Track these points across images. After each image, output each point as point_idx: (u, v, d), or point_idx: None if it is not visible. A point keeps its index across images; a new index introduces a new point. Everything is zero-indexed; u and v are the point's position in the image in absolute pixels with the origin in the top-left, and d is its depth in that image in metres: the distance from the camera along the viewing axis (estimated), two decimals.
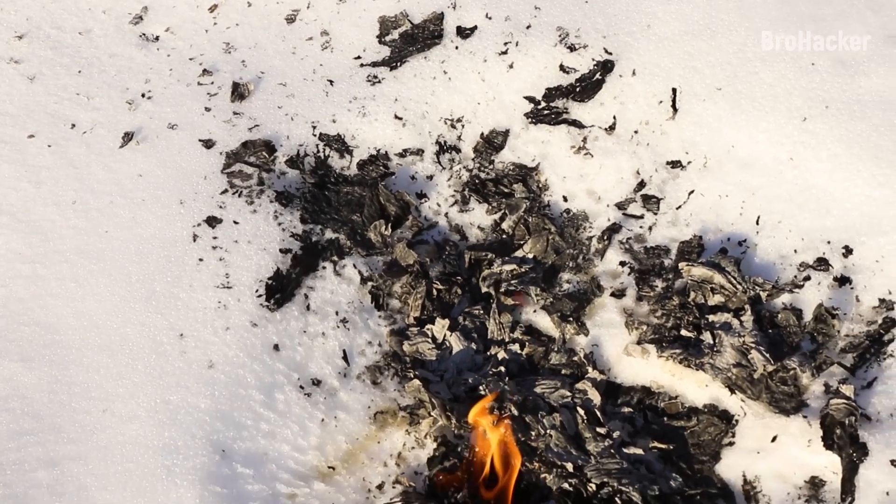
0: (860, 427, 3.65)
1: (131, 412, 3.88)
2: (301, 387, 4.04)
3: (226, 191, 4.55)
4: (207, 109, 4.91)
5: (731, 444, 3.91)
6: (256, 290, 4.21)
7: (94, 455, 3.79)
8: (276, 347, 4.09)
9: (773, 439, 3.81)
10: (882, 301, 3.96)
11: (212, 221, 4.41)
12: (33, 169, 4.70)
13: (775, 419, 3.85)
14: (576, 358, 4.19)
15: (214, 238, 4.35)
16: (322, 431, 3.98)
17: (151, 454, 3.78)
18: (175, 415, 3.87)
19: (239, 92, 4.97)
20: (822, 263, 4.12)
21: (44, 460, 3.78)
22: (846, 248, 4.13)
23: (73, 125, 4.86)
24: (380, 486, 3.91)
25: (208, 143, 4.77)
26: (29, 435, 3.84)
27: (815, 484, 3.69)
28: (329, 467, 3.91)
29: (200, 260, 4.27)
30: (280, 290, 4.23)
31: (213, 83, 5.05)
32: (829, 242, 4.17)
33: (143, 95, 4.99)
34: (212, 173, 4.62)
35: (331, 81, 5.00)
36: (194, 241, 4.33)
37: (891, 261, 4.04)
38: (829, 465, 3.68)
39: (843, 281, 4.07)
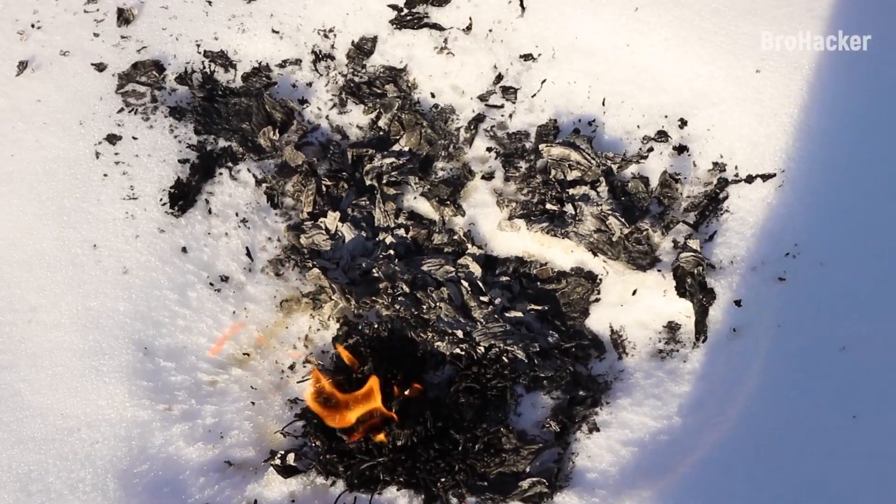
0: (707, 275, 3.56)
1: (55, 320, 3.58)
2: (211, 283, 3.79)
3: (122, 109, 4.18)
4: (96, 35, 4.47)
5: (597, 300, 3.81)
6: (160, 199, 3.90)
7: (24, 363, 3.50)
8: (184, 250, 3.81)
9: (634, 293, 3.73)
10: (715, 164, 3.88)
11: (112, 139, 4.05)
12: None
13: (634, 275, 3.76)
14: (455, 237, 4.02)
15: (116, 154, 4.00)
16: (234, 322, 3.72)
17: (78, 357, 3.51)
18: (97, 319, 3.59)
19: (124, 17, 4.54)
20: (662, 135, 4.00)
21: None
22: (681, 120, 4.01)
23: None
24: (291, 367, 3.70)
25: (100, 67, 4.35)
26: None
27: (672, 328, 3.62)
28: (244, 354, 3.69)
29: (105, 175, 3.93)
30: (182, 197, 3.93)
31: (98, 10, 4.58)
32: (666, 116, 4.05)
33: (32, 26, 4.50)
34: (107, 94, 4.23)
35: (209, 1, 4.59)
36: (97, 158, 3.98)
37: (720, 128, 3.95)
38: (683, 311, 3.62)
39: (681, 149, 3.97)
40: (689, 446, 3.20)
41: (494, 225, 4.03)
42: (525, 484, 3.30)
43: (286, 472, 3.34)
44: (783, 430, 3.11)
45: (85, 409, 3.38)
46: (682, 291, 3.58)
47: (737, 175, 3.83)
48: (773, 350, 3.33)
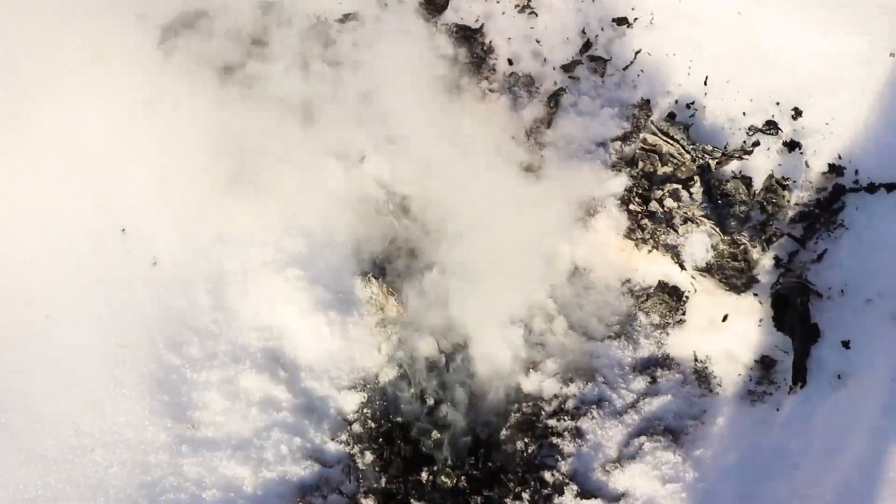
0: (811, 305, 3.09)
1: (75, 318, 3.31)
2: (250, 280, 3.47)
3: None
4: None
5: (681, 321, 3.38)
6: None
7: (40, 367, 3.25)
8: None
9: (724, 318, 3.27)
10: (832, 166, 3.39)
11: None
12: None
13: (726, 296, 3.30)
14: None
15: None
16: None
17: (98, 363, 3.26)
18: (119, 318, 3.30)
19: None
20: (772, 126, 3.51)
21: None
22: (795, 109, 3.52)
23: None
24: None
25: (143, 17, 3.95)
26: None
27: (766, 364, 3.18)
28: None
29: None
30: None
31: None
32: (777, 104, 3.56)
33: None
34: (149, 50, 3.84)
35: None
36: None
37: (841, 123, 3.44)
38: (780, 345, 3.18)
39: (792, 146, 3.46)
40: None
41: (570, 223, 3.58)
42: None
43: None
44: None
45: (101, 425, 3.13)
46: (780, 324, 3.14)
47: (857, 182, 3.33)
48: (886, 408, 2.86)
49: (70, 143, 3.64)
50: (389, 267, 3.56)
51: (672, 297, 3.41)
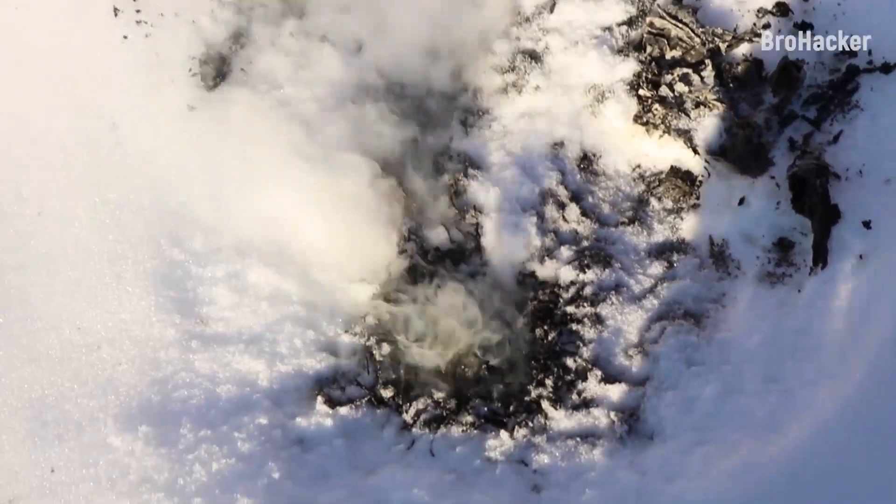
0: (830, 186, 3.07)
1: (68, 213, 3.18)
2: (250, 171, 3.34)
3: None
4: None
5: (695, 206, 3.34)
6: (189, 69, 3.41)
7: (34, 263, 3.12)
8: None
9: (741, 202, 3.24)
10: (845, 48, 3.31)
11: None
12: None
13: (741, 180, 3.27)
14: None
15: (137, 11, 3.50)
16: None
17: (96, 260, 3.13)
18: (116, 214, 3.17)
19: None
20: (781, 8, 3.44)
21: None
22: None
23: None
24: None
25: None
26: None
27: (785, 246, 3.15)
28: None
29: (125, 37, 3.44)
30: (215, 66, 3.44)
31: None
32: None
33: None
34: None
35: None
36: (115, 15, 3.47)
37: (853, 2, 3.37)
38: (799, 227, 3.14)
39: (803, 27, 3.40)
40: (803, 403, 2.78)
41: (578, 109, 3.51)
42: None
43: (334, 403, 3.00)
44: None
45: (105, 322, 3.02)
46: (799, 206, 3.11)
47: (871, 62, 3.28)
48: None
49: (52, 41, 3.45)
50: (395, 159, 3.45)
51: (685, 181, 3.37)
